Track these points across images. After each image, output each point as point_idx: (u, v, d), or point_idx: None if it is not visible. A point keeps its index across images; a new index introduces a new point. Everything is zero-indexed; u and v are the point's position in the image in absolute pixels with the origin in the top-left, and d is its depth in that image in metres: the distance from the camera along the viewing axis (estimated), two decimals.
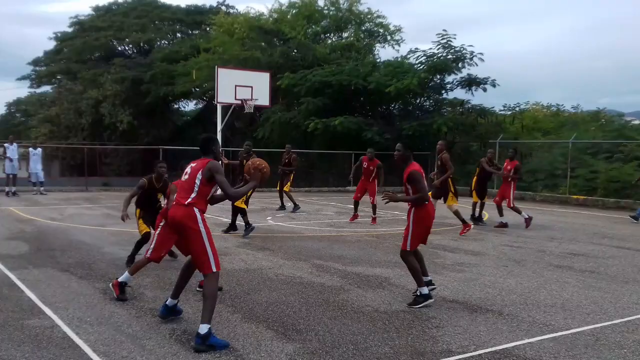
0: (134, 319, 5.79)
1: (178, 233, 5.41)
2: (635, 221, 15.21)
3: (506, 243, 11.20)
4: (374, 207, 13.83)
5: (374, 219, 13.77)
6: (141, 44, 42.38)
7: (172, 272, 7.81)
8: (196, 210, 5.25)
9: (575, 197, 20.37)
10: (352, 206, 14.42)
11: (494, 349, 5.18)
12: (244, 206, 11.22)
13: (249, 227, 11.13)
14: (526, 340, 5.42)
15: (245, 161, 10.31)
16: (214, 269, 5.20)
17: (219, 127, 20.00)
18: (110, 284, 6.64)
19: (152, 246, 6.71)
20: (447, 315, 6.18)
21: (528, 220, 13.47)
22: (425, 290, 6.58)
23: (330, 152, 25.07)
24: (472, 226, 12.80)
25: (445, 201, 12.18)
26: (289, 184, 16.14)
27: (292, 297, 6.72)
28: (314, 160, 26.78)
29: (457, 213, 12.09)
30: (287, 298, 6.69)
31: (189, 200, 5.27)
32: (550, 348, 5.22)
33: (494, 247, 10.69)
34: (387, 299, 6.78)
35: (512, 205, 13.61)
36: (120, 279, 6.60)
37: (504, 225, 13.42)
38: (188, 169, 5.45)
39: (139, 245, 8.15)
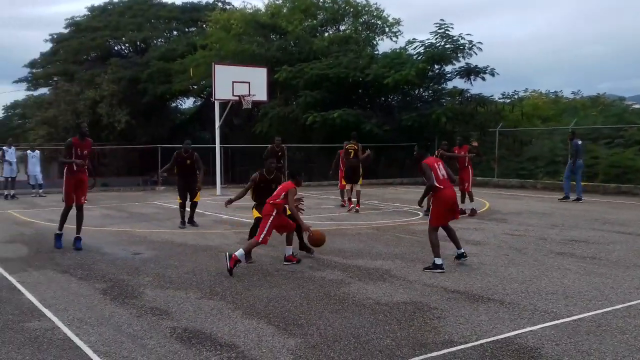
0: (135, 318, 5.77)
1: None
2: (568, 199, 16.61)
3: (507, 232, 11.17)
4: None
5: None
6: (137, 43, 42.28)
7: (173, 271, 7.81)
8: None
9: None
10: (352, 199, 14.54)
11: (495, 338, 5.15)
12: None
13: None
14: (528, 329, 5.39)
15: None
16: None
17: (217, 124, 19.97)
18: (227, 256, 7.58)
19: (264, 232, 7.88)
20: (449, 305, 6.16)
21: (473, 211, 13.48)
22: (439, 260, 7.73)
23: (330, 145, 24.98)
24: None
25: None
26: None
27: (292, 292, 6.70)
28: (313, 153, 26.75)
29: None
30: (288, 293, 6.67)
31: None
32: (552, 335, 5.20)
33: (494, 236, 10.66)
34: (389, 291, 6.76)
35: (469, 190, 13.76)
36: (236, 253, 7.59)
37: (474, 212, 13.47)
38: None
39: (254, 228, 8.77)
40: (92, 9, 44.25)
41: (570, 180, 16.97)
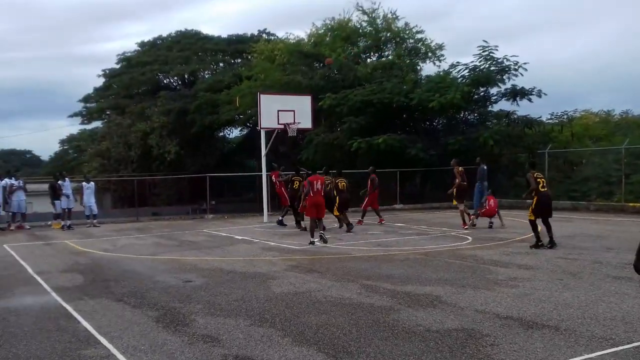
0: (187, 346, 5.85)
1: None
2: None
3: (560, 255, 10.86)
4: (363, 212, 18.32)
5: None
6: (185, 76, 43.54)
7: (222, 298, 7.90)
8: None
9: (632, 204, 19.64)
10: (398, 224, 14.55)
11: None
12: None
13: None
14: (585, 356, 5.22)
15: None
16: None
17: (263, 152, 20.25)
18: None
19: None
20: (502, 332, 6.02)
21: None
22: (312, 239, 13.12)
23: (376, 170, 24.97)
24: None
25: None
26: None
27: (341, 319, 6.67)
28: (359, 179, 26.72)
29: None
30: (337, 320, 6.64)
31: None
32: None
33: (547, 261, 10.38)
34: (439, 317, 6.65)
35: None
36: None
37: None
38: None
39: None
40: (142, 45, 45.91)
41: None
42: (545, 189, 12.08)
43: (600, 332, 5.91)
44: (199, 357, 5.50)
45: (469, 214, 16.25)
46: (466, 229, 15.63)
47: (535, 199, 11.97)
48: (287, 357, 5.42)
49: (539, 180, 12.02)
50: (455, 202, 16.44)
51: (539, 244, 11.87)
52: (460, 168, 16.52)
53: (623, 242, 12.40)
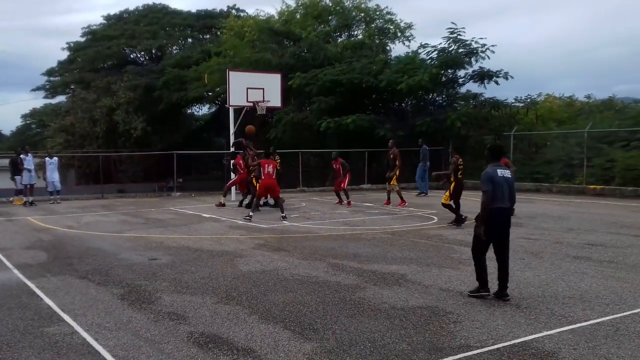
0: (152, 323, 5.83)
1: None
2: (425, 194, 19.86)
3: (523, 235, 11.10)
4: (345, 193, 17.42)
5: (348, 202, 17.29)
6: (153, 51, 42.73)
7: (189, 276, 7.87)
8: None
9: (592, 187, 20.14)
10: (366, 204, 14.66)
11: (512, 342, 5.14)
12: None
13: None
14: (545, 333, 5.38)
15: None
16: None
17: (232, 130, 20.07)
18: None
19: None
20: (465, 310, 6.15)
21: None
22: (251, 213, 13.87)
23: (344, 150, 25.01)
24: None
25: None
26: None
27: (308, 297, 6.73)
28: (327, 159, 26.76)
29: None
30: (304, 298, 6.70)
31: None
32: (570, 340, 5.18)
33: (510, 241, 10.58)
34: (404, 295, 6.76)
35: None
36: None
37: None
38: None
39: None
40: (108, 18, 44.82)
41: (422, 180, 20.96)
42: (462, 176, 12.86)
43: (559, 309, 6.09)
44: (165, 334, 5.49)
45: (401, 196, 16.66)
46: (388, 206, 16.53)
47: (453, 184, 12.66)
48: (254, 334, 5.45)
49: (460, 167, 12.67)
50: (394, 183, 16.80)
51: (459, 220, 12.60)
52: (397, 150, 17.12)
53: (583, 223, 12.74)
